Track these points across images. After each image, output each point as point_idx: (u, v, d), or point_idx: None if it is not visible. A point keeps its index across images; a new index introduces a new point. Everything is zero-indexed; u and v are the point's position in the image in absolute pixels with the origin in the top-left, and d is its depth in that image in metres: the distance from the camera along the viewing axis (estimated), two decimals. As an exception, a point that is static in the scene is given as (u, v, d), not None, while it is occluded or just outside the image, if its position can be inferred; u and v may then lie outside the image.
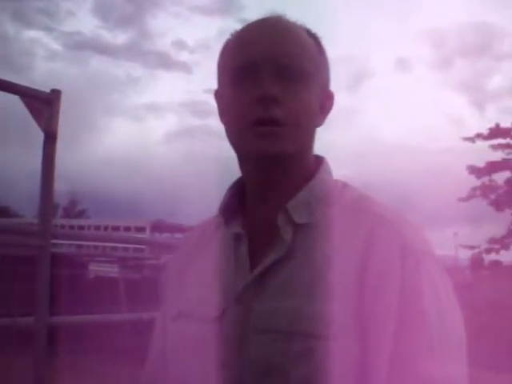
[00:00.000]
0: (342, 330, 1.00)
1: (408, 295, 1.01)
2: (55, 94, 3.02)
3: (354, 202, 1.11)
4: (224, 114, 1.15)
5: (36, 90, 3.01)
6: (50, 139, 2.98)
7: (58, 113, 2.99)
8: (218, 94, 1.18)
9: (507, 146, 19.90)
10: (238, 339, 1.05)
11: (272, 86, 1.06)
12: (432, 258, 1.07)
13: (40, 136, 3.05)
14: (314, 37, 1.17)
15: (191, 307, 1.13)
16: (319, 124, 1.15)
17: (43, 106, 2.95)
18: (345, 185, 1.16)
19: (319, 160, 1.18)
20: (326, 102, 1.16)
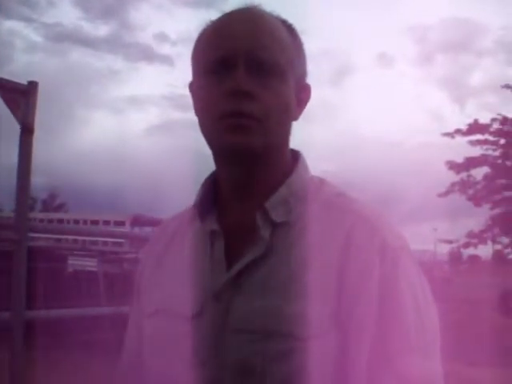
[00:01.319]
0: (321, 330, 0.99)
1: (387, 294, 1.01)
2: (32, 86, 2.98)
3: (332, 200, 1.10)
4: (197, 106, 1.13)
5: (12, 82, 2.98)
6: (27, 131, 2.95)
7: (34, 105, 2.96)
8: (192, 86, 1.16)
9: (485, 141, 20.06)
10: (216, 338, 1.04)
11: (245, 79, 1.04)
12: (409, 255, 1.06)
13: (17, 127, 3.02)
14: (289, 28, 1.14)
15: (168, 304, 1.12)
16: (295, 118, 1.13)
17: (20, 97, 2.91)
18: (322, 181, 1.15)
19: (295, 155, 1.16)
20: (302, 94, 1.14)
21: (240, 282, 1.05)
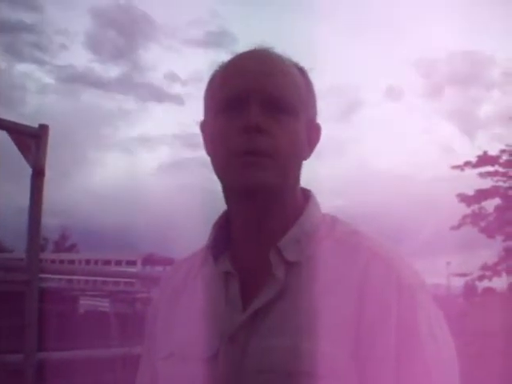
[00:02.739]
0: (340, 369, 0.98)
1: (405, 332, 1.00)
2: (43, 129, 3.02)
3: (346, 238, 1.09)
4: (209, 144, 1.14)
5: (23, 125, 3.02)
6: (38, 174, 2.98)
7: (45, 148, 2.99)
8: (203, 125, 1.17)
9: (496, 173, 20.00)
10: (233, 380, 1.03)
11: (258, 116, 1.04)
12: (425, 290, 1.06)
13: (29, 169, 3.05)
14: (300, 70, 1.16)
15: (183, 347, 1.11)
16: (306, 157, 1.14)
17: (31, 141, 2.95)
18: (334, 219, 1.15)
19: (306, 193, 1.16)
20: (313, 134, 1.15)
21: (256, 322, 1.05)
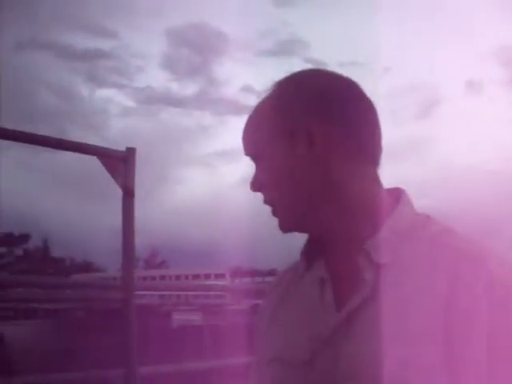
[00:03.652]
0: (433, 373, 0.98)
1: (498, 332, 0.98)
2: (130, 152, 3.13)
3: (436, 237, 1.08)
4: None
5: (111, 150, 3.14)
6: (128, 195, 3.09)
7: (133, 170, 3.10)
8: None
9: None
10: None
11: (254, 176, 1.19)
12: None
13: (118, 192, 3.16)
14: (288, 88, 1.15)
15: (282, 352, 1.14)
16: (319, 170, 1.10)
17: (119, 164, 3.07)
18: (427, 218, 1.13)
19: (398, 193, 1.15)
20: (316, 140, 1.10)
21: (348, 326, 1.06)
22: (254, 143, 1.18)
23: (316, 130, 1.11)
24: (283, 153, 1.12)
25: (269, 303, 1.27)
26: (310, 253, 1.17)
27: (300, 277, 1.20)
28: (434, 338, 0.99)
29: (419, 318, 1.00)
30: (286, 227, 1.16)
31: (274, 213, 1.16)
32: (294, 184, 1.12)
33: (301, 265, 1.20)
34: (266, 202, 1.17)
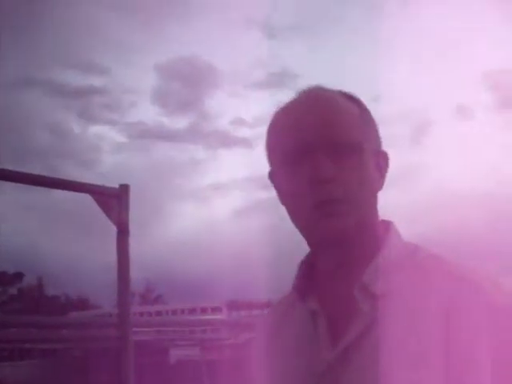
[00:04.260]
0: None
1: (500, 357, 0.98)
2: (123, 189, 3.14)
3: (429, 265, 1.09)
4: (282, 196, 1.16)
5: (104, 187, 3.14)
6: (123, 232, 3.08)
7: (127, 206, 3.10)
8: (272, 175, 1.19)
9: None
10: None
11: (327, 165, 1.06)
12: None
13: (113, 228, 3.16)
14: (357, 102, 1.16)
15: None
16: (379, 189, 1.14)
17: (113, 201, 3.07)
18: (416, 247, 1.14)
19: (386, 224, 1.16)
20: (381, 164, 1.15)
21: (346, 357, 1.06)
22: (349, 134, 1.10)
23: (381, 154, 1.17)
24: (371, 162, 1.12)
25: (262, 336, 1.26)
26: (302, 285, 1.16)
27: (290, 309, 1.19)
28: (435, 363, 0.98)
29: (419, 345, 1.00)
30: (347, 227, 1.07)
31: (339, 207, 1.07)
32: (370, 192, 1.12)
33: (293, 298, 1.18)
34: (331, 195, 1.06)
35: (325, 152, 1.08)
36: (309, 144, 1.09)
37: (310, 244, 1.16)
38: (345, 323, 1.08)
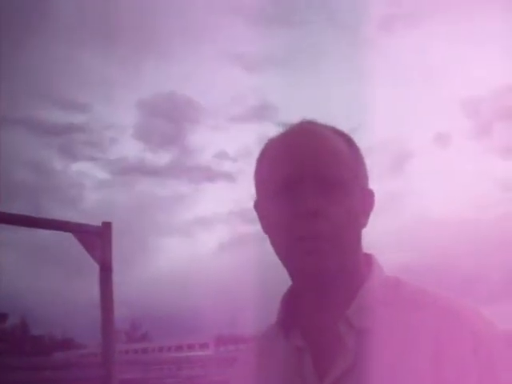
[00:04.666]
0: None
1: None
2: (106, 226, 3.13)
3: (412, 298, 1.09)
4: (266, 227, 1.14)
5: (87, 225, 3.14)
6: (106, 270, 3.07)
7: (110, 244, 3.10)
8: (258, 206, 1.18)
9: None
10: None
11: (314, 199, 1.05)
12: (500, 341, 1.05)
13: (96, 266, 3.14)
14: (347, 139, 1.16)
15: None
16: (363, 226, 1.14)
17: (95, 239, 3.06)
18: (398, 281, 1.14)
19: (368, 258, 1.16)
20: (367, 202, 1.15)
21: None
22: (338, 169, 1.09)
23: (367, 191, 1.16)
24: (357, 199, 1.11)
25: (241, 372, 1.24)
26: (285, 321, 1.15)
27: (277, 343, 1.17)
28: None
29: (406, 377, 1.00)
30: (328, 267, 1.05)
31: (322, 245, 1.05)
32: (355, 229, 1.11)
33: (276, 333, 1.17)
34: (315, 230, 1.05)
35: (311, 185, 1.07)
36: (295, 176, 1.08)
37: (291, 277, 1.15)
38: (330, 359, 1.07)
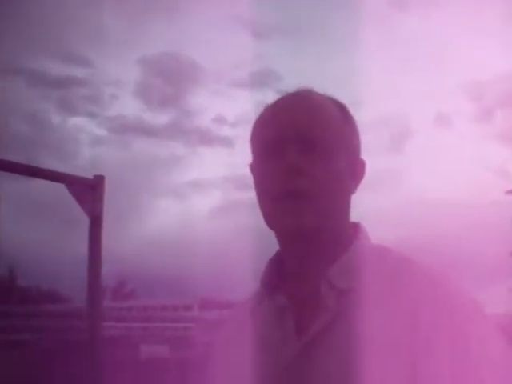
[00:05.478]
0: None
1: (459, 357, 0.99)
2: (98, 180, 3.11)
3: (397, 265, 1.10)
4: (255, 188, 1.16)
5: (79, 177, 3.11)
6: (95, 223, 3.06)
7: (102, 197, 3.07)
8: (252, 168, 1.20)
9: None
10: None
11: (295, 157, 1.07)
12: (482, 317, 1.05)
13: (87, 220, 3.13)
14: (341, 107, 1.17)
15: (244, 381, 1.12)
16: (351, 192, 1.15)
17: (87, 191, 3.04)
18: (384, 248, 1.16)
19: (356, 226, 1.17)
20: (357, 169, 1.16)
21: (311, 351, 1.06)
22: (322, 131, 1.10)
23: (358, 160, 1.17)
24: (344, 164, 1.12)
25: (223, 338, 1.26)
26: (270, 281, 1.16)
27: (257, 306, 1.19)
28: (398, 357, 1.00)
29: (384, 339, 1.01)
30: (305, 221, 1.07)
31: (300, 204, 1.06)
32: (339, 192, 1.12)
33: (261, 295, 1.18)
34: (298, 188, 1.06)
35: (298, 146, 1.09)
36: (279, 136, 1.10)
37: (276, 236, 1.16)
38: (311, 317, 1.08)
